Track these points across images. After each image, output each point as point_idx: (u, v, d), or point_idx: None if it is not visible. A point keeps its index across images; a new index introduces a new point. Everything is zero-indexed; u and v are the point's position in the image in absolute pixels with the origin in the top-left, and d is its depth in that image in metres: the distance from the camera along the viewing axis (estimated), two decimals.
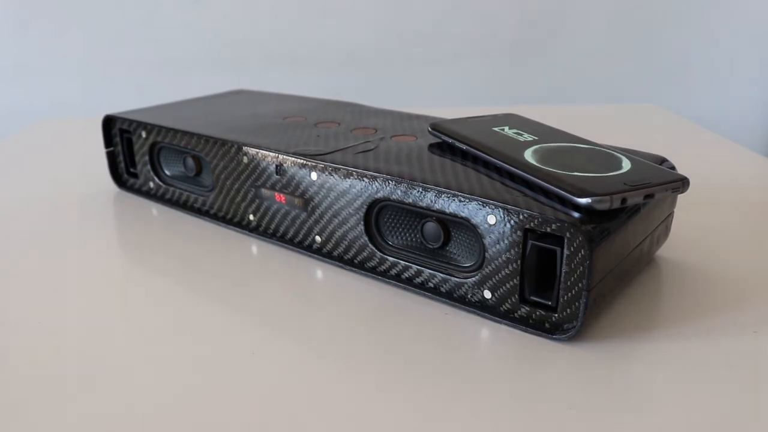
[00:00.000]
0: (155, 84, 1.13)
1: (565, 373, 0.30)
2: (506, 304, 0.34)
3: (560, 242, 0.31)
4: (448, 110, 0.54)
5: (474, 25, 1.16)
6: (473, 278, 0.35)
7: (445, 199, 0.34)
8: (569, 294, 0.31)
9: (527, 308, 0.33)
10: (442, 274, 0.36)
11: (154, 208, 0.51)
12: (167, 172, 0.52)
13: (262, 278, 0.39)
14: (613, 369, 0.30)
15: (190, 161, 0.49)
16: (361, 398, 0.28)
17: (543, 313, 0.33)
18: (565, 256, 0.31)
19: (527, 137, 0.39)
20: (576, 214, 0.31)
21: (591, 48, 1.18)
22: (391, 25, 1.15)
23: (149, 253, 0.43)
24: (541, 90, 1.19)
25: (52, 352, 0.32)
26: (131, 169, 0.54)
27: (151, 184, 0.52)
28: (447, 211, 0.35)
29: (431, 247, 0.37)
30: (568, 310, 0.32)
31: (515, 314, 0.34)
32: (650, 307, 0.35)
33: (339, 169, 0.39)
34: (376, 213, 0.38)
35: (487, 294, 0.34)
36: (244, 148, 0.44)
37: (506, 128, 0.41)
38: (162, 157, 0.52)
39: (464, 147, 0.39)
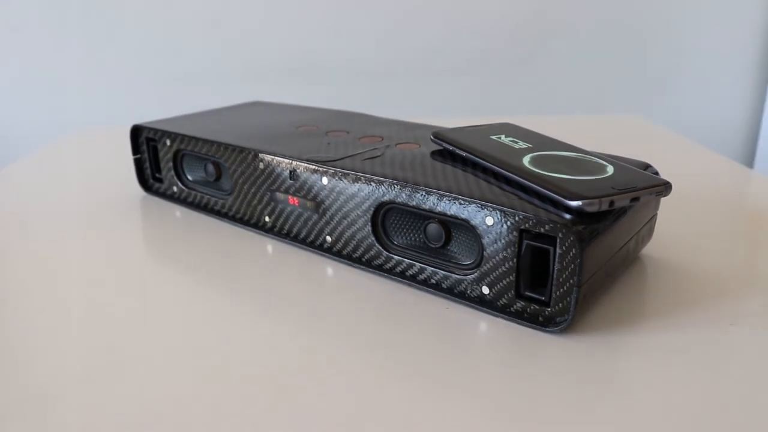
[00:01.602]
0: (176, 97, 1.13)
1: (557, 362, 0.30)
2: (503, 299, 0.34)
3: (553, 242, 0.31)
4: (448, 120, 0.54)
5: (471, 42, 1.16)
6: (472, 275, 0.35)
7: (447, 201, 0.34)
8: (561, 290, 0.31)
9: (522, 303, 0.33)
10: (443, 272, 0.36)
11: (178, 210, 0.51)
12: (189, 177, 0.52)
13: (277, 274, 0.39)
14: (601, 359, 0.30)
15: (210, 167, 0.49)
16: (366, 384, 0.28)
17: (537, 307, 0.33)
18: (557, 254, 0.31)
19: (522, 145, 0.39)
20: (567, 216, 0.31)
21: (577, 63, 1.18)
22: (396, 42, 1.15)
23: (173, 251, 0.43)
24: (533, 101, 1.19)
25: (84, 341, 0.32)
26: (157, 175, 0.54)
27: (175, 189, 0.53)
28: (448, 213, 0.35)
29: (433, 246, 0.37)
30: (560, 305, 0.32)
31: (511, 308, 0.34)
32: (635, 301, 0.35)
33: (348, 174, 0.39)
34: (382, 215, 0.38)
35: (486, 290, 0.34)
36: (261, 155, 0.44)
37: (503, 136, 0.41)
38: (185, 164, 0.52)
39: (464, 154, 0.39)
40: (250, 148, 0.45)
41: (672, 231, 0.46)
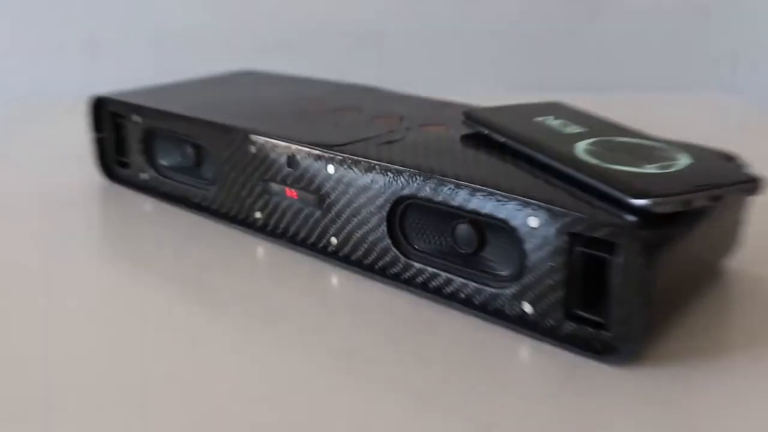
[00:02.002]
0: (149, 63, 1.14)
1: (617, 402, 0.30)
2: (549, 319, 0.34)
3: (613, 249, 0.30)
4: (483, 97, 0.53)
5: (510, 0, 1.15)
6: (511, 289, 0.35)
7: (481, 197, 0.35)
8: (623, 310, 0.31)
9: (574, 325, 0.33)
10: (475, 284, 0.36)
11: (147, 203, 0.52)
12: (163, 162, 0.52)
13: (270, 284, 0.40)
14: (674, 400, 0.30)
15: (189, 150, 0.49)
16: (381, 427, 0.28)
17: (592, 331, 0.33)
18: (618, 265, 0.30)
19: (574, 129, 0.39)
20: (631, 218, 0.30)
21: (640, 28, 1.17)
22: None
23: (140, 255, 0.44)
24: (587, 75, 1.18)
25: (16, 375, 0.31)
26: (122, 159, 0.54)
27: (145, 176, 0.53)
28: (482, 211, 0.35)
29: (463, 252, 0.37)
30: (622, 329, 0.31)
31: (559, 331, 0.33)
32: (718, 326, 0.35)
33: (360, 161, 0.39)
34: (400, 212, 0.38)
35: (527, 307, 0.34)
36: (252, 137, 0.44)
37: (550, 118, 0.41)
38: (157, 145, 0.52)
39: (503, 139, 0.39)
40: (239, 127, 0.45)
41: (764, 239, 0.45)
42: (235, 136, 0.45)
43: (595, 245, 0.31)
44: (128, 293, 0.39)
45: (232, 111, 0.49)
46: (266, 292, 0.39)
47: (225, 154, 0.46)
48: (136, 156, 0.53)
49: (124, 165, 0.54)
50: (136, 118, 0.52)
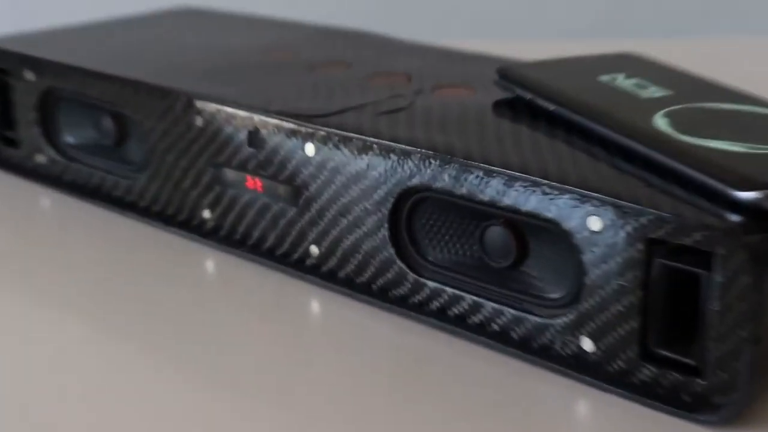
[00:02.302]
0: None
1: None
2: (618, 361, 0.33)
3: (708, 262, 0.30)
4: (520, 46, 0.54)
5: None
6: (564, 318, 0.35)
7: (521, 189, 0.34)
8: (723, 347, 0.31)
9: (653, 369, 0.33)
10: (513, 311, 0.36)
11: (46, 196, 0.52)
12: (69, 140, 0.52)
13: (223, 313, 0.40)
14: None
15: (107, 122, 0.49)
16: None
17: (679, 377, 0.32)
18: (716, 284, 0.30)
19: (655, 92, 0.39)
20: (736, 217, 0.30)
21: None
22: None
23: (35, 275, 0.43)
24: (670, 13, 1.19)
25: None
26: (8, 133, 0.54)
27: (42, 158, 0.53)
28: (522, 209, 0.35)
29: (497, 266, 0.37)
30: (722, 375, 0.31)
31: (632, 378, 0.33)
32: None
33: (350, 139, 0.39)
34: (408, 211, 0.39)
35: (587, 344, 0.34)
36: (198, 104, 0.44)
37: (620, 77, 0.41)
38: (61, 115, 0.52)
39: (552, 107, 0.39)
40: (179, 90, 0.45)
41: None
42: (173, 103, 0.45)
43: (684, 256, 0.31)
44: (17, 329, 0.39)
45: (169, 66, 0.49)
46: (218, 323, 0.39)
47: (159, 128, 0.46)
48: (28, 130, 0.53)
49: (11, 143, 0.54)
50: (29, 75, 0.51)
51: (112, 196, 0.50)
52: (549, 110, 0.39)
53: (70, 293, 0.42)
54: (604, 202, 0.32)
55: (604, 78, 0.41)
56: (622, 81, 0.41)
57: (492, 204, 0.36)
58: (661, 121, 0.36)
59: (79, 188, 0.52)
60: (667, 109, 0.37)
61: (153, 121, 0.46)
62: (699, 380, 0.32)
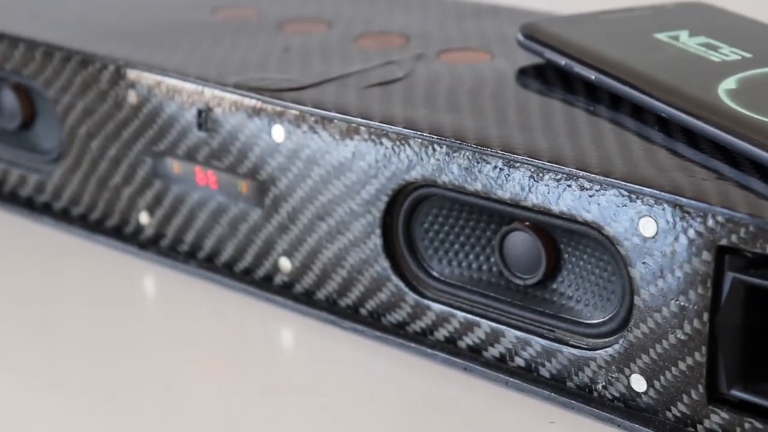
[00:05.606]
0: None
1: None
2: (678, 404, 0.32)
3: None
4: None
5: None
6: (609, 349, 0.34)
7: (551, 183, 0.33)
8: None
9: (724, 414, 0.31)
10: (543, 340, 0.35)
11: None
12: None
13: (167, 349, 0.39)
14: None
15: (10, 98, 0.48)
16: None
17: (759, 426, 0.31)
18: None
19: (729, 54, 0.38)
20: None
21: None
22: None
23: None
24: None
25: None
26: None
27: None
28: (553, 209, 0.34)
29: (521, 283, 0.36)
30: None
31: (697, 425, 0.32)
32: None
33: (331, 120, 0.38)
34: (407, 211, 0.37)
35: (639, 382, 0.33)
36: (130, 74, 0.43)
37: (683, 35, 0.40)
38: None
39: (593, 75, 0.38)
40: (104, 56, 0.44)
41: None
42: (98, 73, 0.44)
43: (765, 270, 0.30)
44: None
45: (94, 24, 0.49)
46: (161, 364, 0.38)
47: (80, 104, 0.45)
48: None
49: None
50: None
51: (17, 196, 0.50)
52: (588, 79, 0.39)
53: None
54: (659, 200, 0.32)
55: (662, 36, 0.41)
56: (686, 40, 0.40)
57: (514, 203, 0.35)
58: (727, 92, 0.35)
59: None
60: (741, 75, 0.37)
61: (71, 96, 0.46)
62: None
